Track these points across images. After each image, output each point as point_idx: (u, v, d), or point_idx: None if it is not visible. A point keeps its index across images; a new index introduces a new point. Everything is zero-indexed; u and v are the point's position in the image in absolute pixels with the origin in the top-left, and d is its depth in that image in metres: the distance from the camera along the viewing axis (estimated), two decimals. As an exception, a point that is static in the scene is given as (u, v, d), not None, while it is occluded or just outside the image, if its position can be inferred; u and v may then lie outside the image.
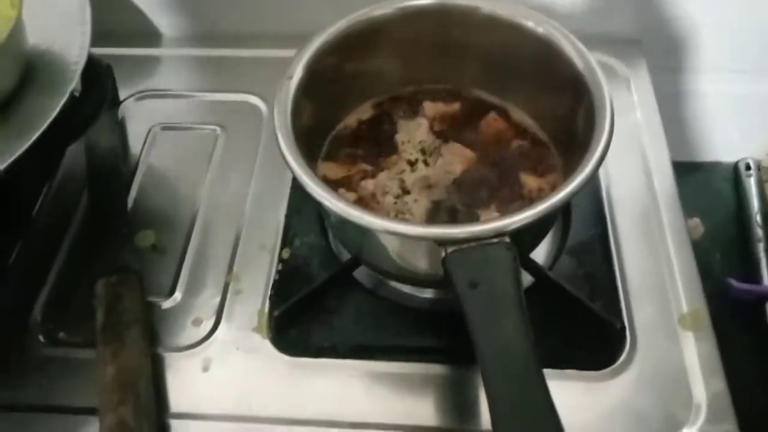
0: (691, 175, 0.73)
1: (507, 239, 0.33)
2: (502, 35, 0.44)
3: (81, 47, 0.42)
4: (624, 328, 0.43)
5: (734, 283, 0.64)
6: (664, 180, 0.51)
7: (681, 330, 0.44)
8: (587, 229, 0.48)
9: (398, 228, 0.34)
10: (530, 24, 0.42)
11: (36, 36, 0.44)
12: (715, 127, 0.72)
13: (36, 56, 0.44)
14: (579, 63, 0.40)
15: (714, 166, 0.74)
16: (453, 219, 0.41)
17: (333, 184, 0.45)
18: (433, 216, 0.41)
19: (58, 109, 0.39)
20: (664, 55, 0.63)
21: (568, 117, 0.42)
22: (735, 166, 0.73)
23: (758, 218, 0.68)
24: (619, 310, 0.44)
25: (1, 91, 0.41)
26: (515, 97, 0.47)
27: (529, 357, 0.30)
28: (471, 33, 0.45)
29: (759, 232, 0.68)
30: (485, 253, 0.33)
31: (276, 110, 0.39)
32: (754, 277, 0.65)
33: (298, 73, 0.41)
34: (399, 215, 0.42)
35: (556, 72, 0.41)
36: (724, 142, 0.73)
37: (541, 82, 0.44)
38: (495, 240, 0.33)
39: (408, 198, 0.43)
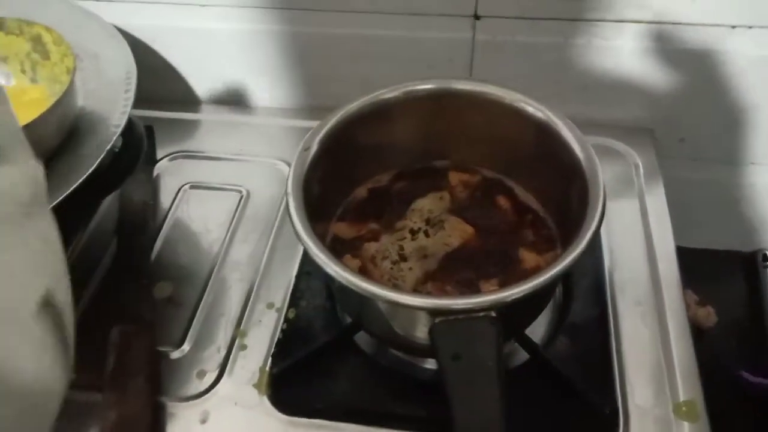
0: (707, 263, 0.72)
1: (493, 314, 0.35)
2: (505, 119, 0.46)
3: (122, 111, 0.47)
4: (616, 412, 0.43)
5: (747, 375, 0.62)
6: (668, 267, 0.52)
7: (675, 419, 0.43)
8: (587, 310, 0.49)
9: (389, 296, 0.35)
10: (530, 109, 0.45)
11: (85, 99, 0.49)
12: (732, 216, 0.72)
13: (83, 116, 0.48)
14: (576, 147, 0.42)
15: (730, 256, 0.74)
16: (443, 291, 0.43)
17: (343, 244, 0.47)
18: (422, 286, 0.43)
19: (95, 165, 0.43)
20: (679, 144, 0.65)
21: (566, 198, 0.43)
22: (751, 256, 0.73)
23: (774, 311, 0.68)
24: (612, 394, 0.44)
25: (49, 146, 0.45)
26: (519, 176, 0.49)
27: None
28: (476, 115, 0.47)
29: (774, 325, 0.67)
30: (470, 326, 0.34)
31: (291, 177, 0.43)
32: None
33: (314, 145, 0.44)
34: (392, 281, 0.43)
35: (555, 155, 0.44)
36: (741, 231, 0.73)
37: (542, 164, 0.46)
38: (481, 314, 0.35)
39: (404, 265, 0.45)
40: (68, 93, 0.45)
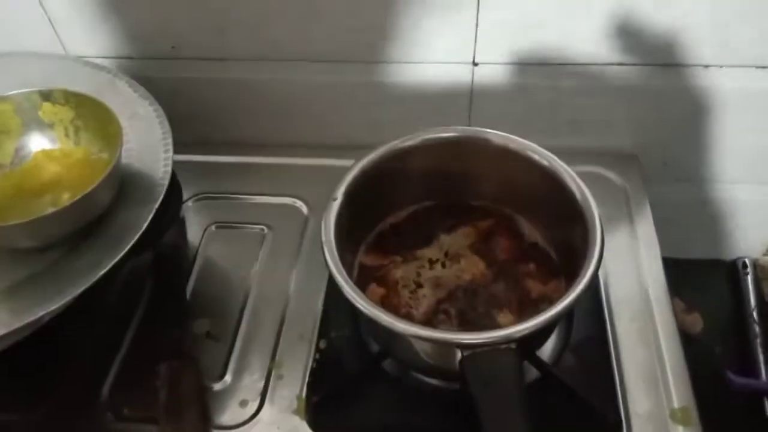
0: (692, 272, 0.79)
1: (513, 345, 0.40)
2: (513, 163, 0.52)
3: (164, 171, 0.51)
4: (620, 421, 0.49)
5: (732, 376, 0.68)
6: (657, 286, 0.58)
7: (672, 423, 0.49)
8: (588, 329, 0.55)
9: (421, 333, 0.41)
10: (536, 157, 0.50)
11: (127, 158, 0.53)
12: (714, 228, 0.78)
13: (127, 176, 0.53)
14: (577, 193, 0.48)
15: (714, 264, 0.80)
16: (457, 318, 0.49)
17: (370, 272, 0.53)
18: (435, 313, 0.49)
19: (146, 224, 0.48)
20: (663, 167, 0.71)
21: (568, 234, 0.49)
22: (733, 264, 0.79)
23: (755, 315, 0.74)
24: (616, 404, 0.50)
25: (103, 208, 0.50)
26: (527, 212, 0.55)
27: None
28: (486, 160, 0.53)
29: (756, 328, 0.73)
30: (494, 357, 0.40)
31: (323, 227, 0.48)
32: (752, 371, 0.70)
33: (340, 195, 0.49)
34: (406, 308, 0.50)
35: (558, 198, 0.49)
36: (723, 241, 0.79)
37: (547, 204, 0.51)
38: (503, 346, 0.40)
39: (420, 292, 0.51)
40: (119, 157, 0.49)
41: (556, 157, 0.50)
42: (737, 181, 0.72)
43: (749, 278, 0.77)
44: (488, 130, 0.52)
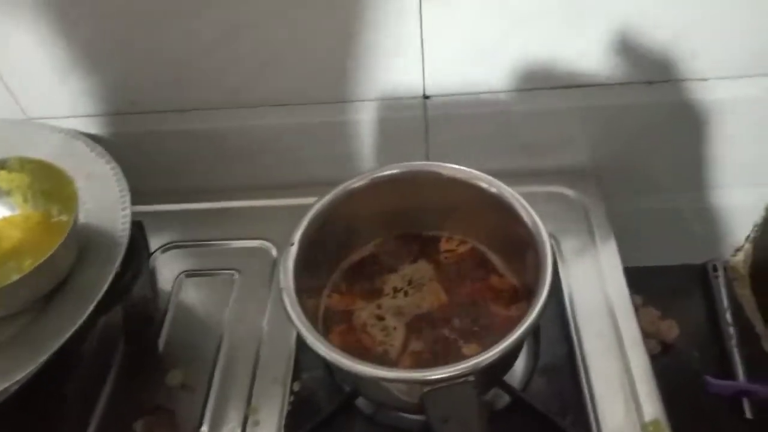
0: (664, 278, 0.79)
1: (471, 378, 0.41)
2: (465, 193, 0.53)
3: (123, 228, 0.52)
4: (592, 441, 0.49)
5: (711, 379, 0.69)
6: (621, 299, 0.58)
7: (644, 438, 0.50)
8: (556, 349, 0.55)
9: (380, 374, 0.41)
10: (484, 185, 0.51)
11: (85, 218, 0.54)
12: (681, 234, 0.79)
13: (86, 236, 0.53)
14: (526, 218, 0.49)
15: (684, 269, 0.81)
16: (428, 347, 0.49)
17: (336, 315, 0.54)
18: (408, 344, 0.50)
19: (108, 282, 0.48)
20: (623, 182, 0.72)
21: (524, 258, 0.50)
22: (703, 268, 0.80)
23: (728, 317, 0.75)
24: (588, 425, 0.50)
25: (66, 267, 0.50)
26: (484, 240, 0.56)
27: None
28: (439, 191, 0.54)
29: (730, 330, 0.74)
30: (453, 392, 0.40)
31: (282, 273, 0.48)
32: (730, 372, 0.70)
33: (297, 240, 0.50)
34: (382, 345, 0.50)
35: (510, 223, 0.50)
36: (691, 246, 0.80)
37: (502, 230, 0.52)
38: (461, 380, 0.40)
39: (388, 324, 0.52)
40: (77, 219, 0.50)
41: (504, 185, 0.51)
42: (697, 190, 0.73)
43: (720, 281, 0.78)
44: (437, 163, 0.53)
